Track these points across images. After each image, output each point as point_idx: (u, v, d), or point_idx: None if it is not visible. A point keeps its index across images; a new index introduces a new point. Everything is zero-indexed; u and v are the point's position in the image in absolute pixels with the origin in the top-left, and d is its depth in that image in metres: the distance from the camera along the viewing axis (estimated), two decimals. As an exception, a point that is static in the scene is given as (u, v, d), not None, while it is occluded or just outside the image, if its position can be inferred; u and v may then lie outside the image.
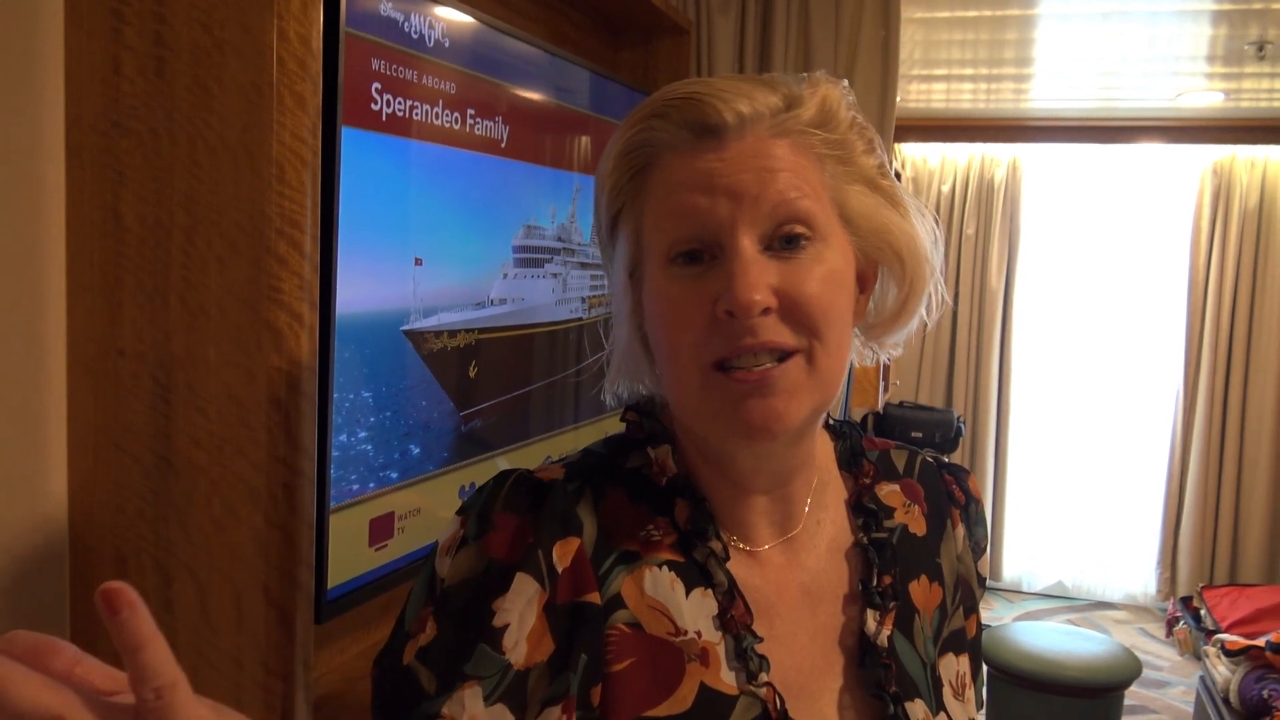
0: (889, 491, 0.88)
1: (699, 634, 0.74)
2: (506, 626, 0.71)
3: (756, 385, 0.71)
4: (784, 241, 0.71)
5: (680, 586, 0.76)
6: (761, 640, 0.76)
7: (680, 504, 0.78)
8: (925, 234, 0.79)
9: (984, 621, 0.96)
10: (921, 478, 0.91)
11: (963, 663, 0.87)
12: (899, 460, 0.91)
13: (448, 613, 0.73)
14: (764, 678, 0.74)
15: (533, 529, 0.73)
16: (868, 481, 0.86)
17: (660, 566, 0.76)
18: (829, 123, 0.74)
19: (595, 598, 0.73)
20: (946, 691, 0.84)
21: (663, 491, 0.79)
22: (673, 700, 0.72)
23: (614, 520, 0.77)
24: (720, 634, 0.75)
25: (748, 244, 0.70)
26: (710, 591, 0.76)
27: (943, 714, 0.82)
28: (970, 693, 0.87)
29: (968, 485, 0.93)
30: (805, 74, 0.76)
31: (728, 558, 0.77)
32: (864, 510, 0.85)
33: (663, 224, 0.73)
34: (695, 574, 0.76)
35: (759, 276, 0.70)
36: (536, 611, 0.71)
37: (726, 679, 0.74)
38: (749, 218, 0.70)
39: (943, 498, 0.91)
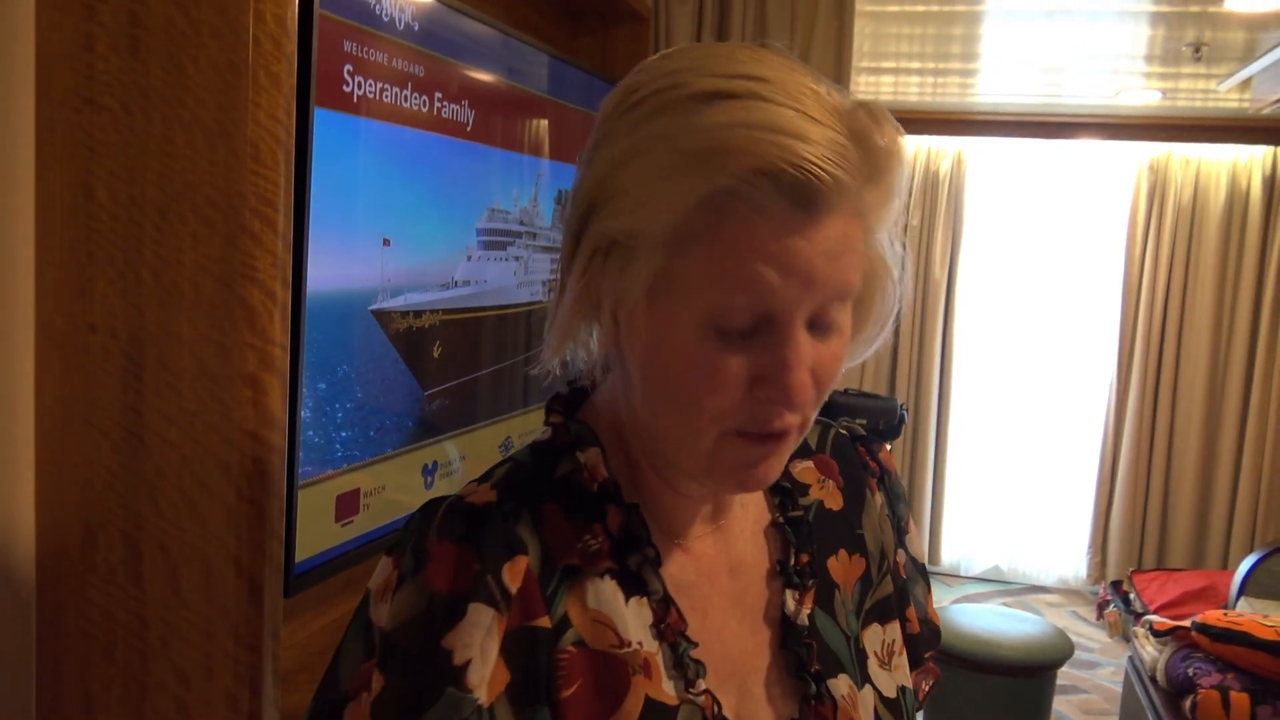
0: (803, 469, 0.88)
1: (640, 644, 0.74)
2: (469, 663, 0.67)
3: (772, 449, 0.71)
4: (823, 320, 0.69)
5: (620, 595, 0.74)
6: (696, 645, 0.76)
7: (612, 510, 0.76)
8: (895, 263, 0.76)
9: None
10: (835, 452, 0.91)
11: (890, 631, 0.87)
12: (811, 436, 0.91)
13: (396, 660, 0.68)
14: (701, 684, 0.75)
15: (476, 555, 0.70)
16: None
17: (601, 576, 0.74)
18: (895, 196, 0.70)
19: (545, 621, 0.71)
20: (872, 663, 0.84)
21: (594, 498, 0.76)
22: (619, 715, 0.72)
23: (554, 536, 0.74)
24: (658, 643, 0.75)
25: (802, 328, 0.67)
26: (645, 600, 0.75)
27: (868, 686, 0.83)
28: (899, 660, 0.87)
29: (880, 456, 0.93)
30: (872, 111, 0.68)
31: (660, 563, 0.76)
32: (779, 489, 0.85)
33: (723, 287, 0.66)
34: (630, 581, 0.75)
35: (807, 365, 0.68)
36: (498, 641, 0.68)
37: (667, 689, 0.74)
38: (811, 301, 0.67)
39: (858, 469, 0.91)
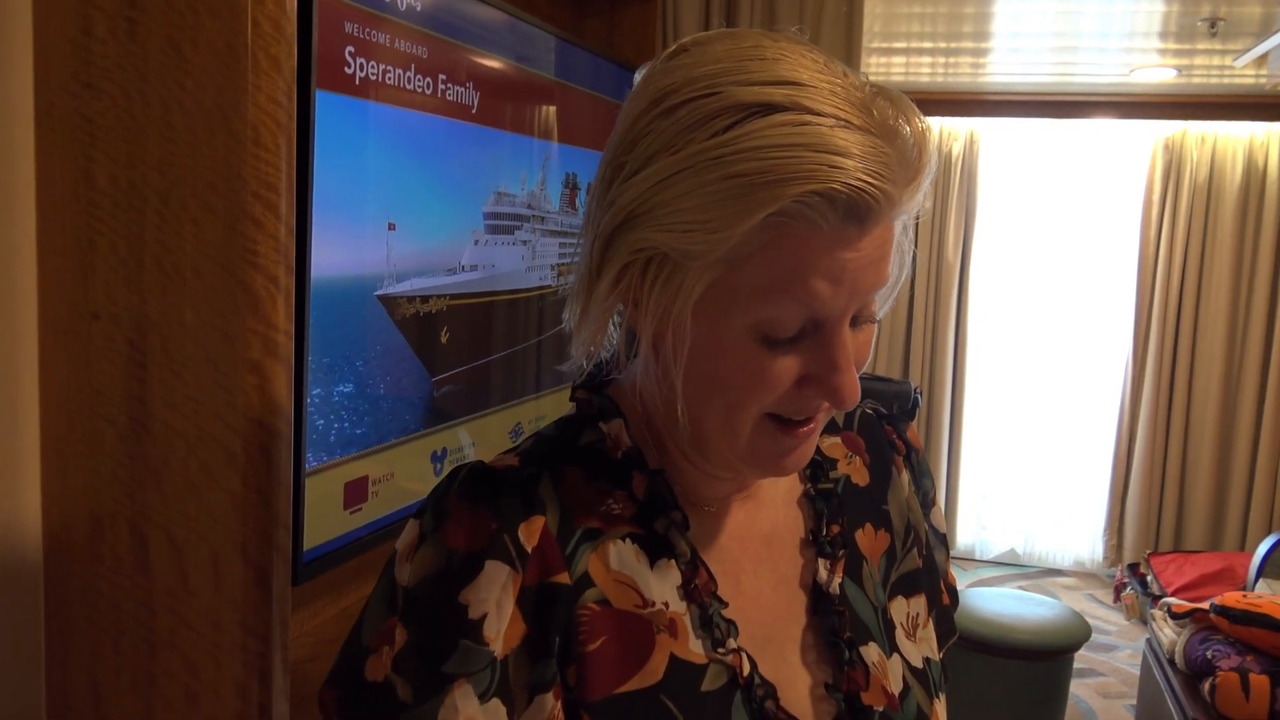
0: (830, 444, 0.91)
1: (666, 605, 0.75)
2: (485, 617, 0.70)
3: (805, 437, 0.75)
4: (862, 315, 0.72)
5: (644, 558, 0.76)
6: (726, 605, 0.77)
7: (637, 477, 0.78)
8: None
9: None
10: (862, 430, 0.93)
11: (915, 604, 0.90)
12: (838, 415, 0.93)
13: (417, 615, 0.71)
14: (731, 643, 0.76)
15: (494, 515, 0.72)
16: None
17: (623, 539, 0.76)
18: (923, 187, 0.71)
19: (565, 578, 0.73)
20: (899, 633, 0.87)
21: (618, 465, 0.79)
22: (644, 673, 0.73)
23: (574, 498, 0.76)
24: (685, 604, 0.76)
25: (847, 329, 0.71)
26: (673, 562, 0.77)
27: (896, 654, 0.85)
28: (924, 632, 0.90)
29: (906, 434, 0.96)
30: (893, 99, 0.69)
31: (688, 527, 0.78)
32: (810, 462, 0.87)
33: (775, 299, 0.68)
34: (658, 545, 0.77)
35: (853, 363, 0.71)
36: (513, 597, 0.71)
37: (694, 648, 0.75)
38: (856, 304, 0.70)
39: (885, 447, 0.94)
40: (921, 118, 0.70)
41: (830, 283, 0.67)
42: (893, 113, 0.68)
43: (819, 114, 0.65)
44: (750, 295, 0.68)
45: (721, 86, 0.67)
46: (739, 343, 0.69)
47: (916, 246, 0.78)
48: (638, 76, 0.73)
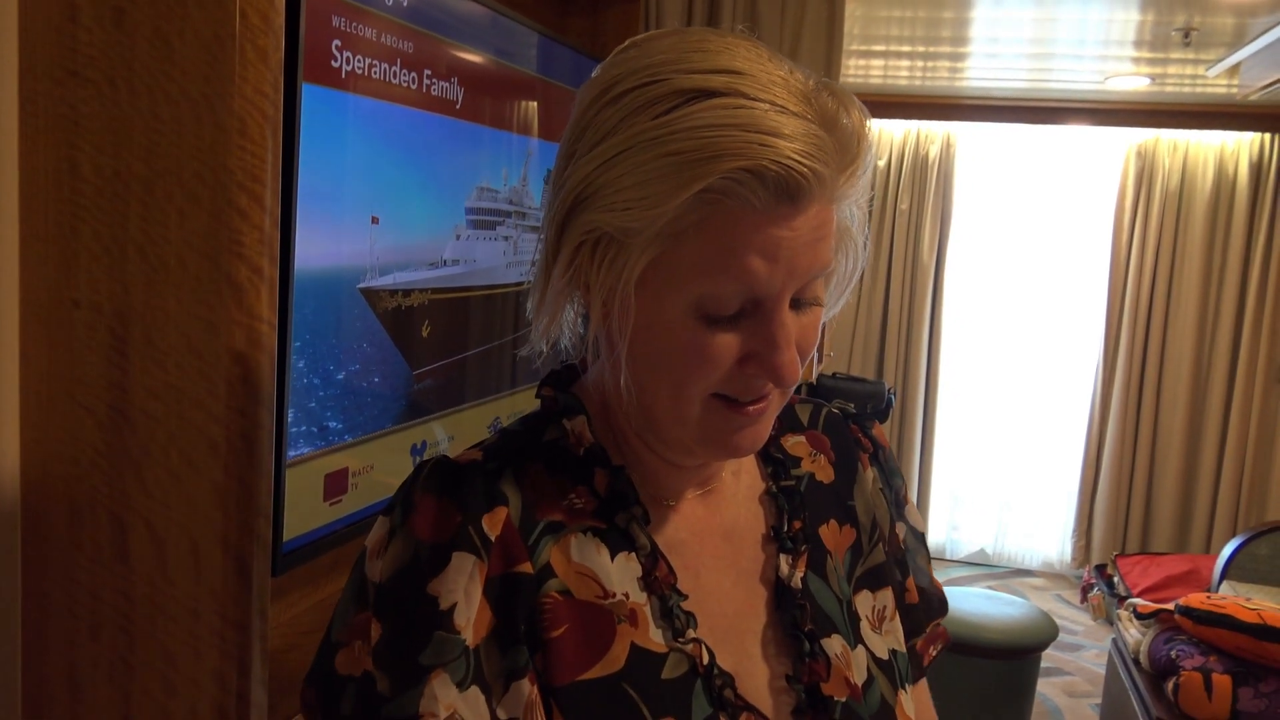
0: (795, 443, 0.93)
1: (626, 595, 0.77)
2: (455, 606, 0.71)
3: (756, 416, 0.75)
4: (804, 297, 0.74)
5: (605, 551, 0.78)
6: (686, 598, 0.79)
7: (599, 473, 0.80)
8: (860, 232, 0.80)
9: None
10: (827, 429, 0.95)
11: (880, 597, 0.91)
12: (803, 413, 0.95)
13: (389, 608, 0.72)
14: (691, 634, 0.77)
15: (458, 507, 0.74)
16: (773, 433, 0.89)
17: (584, 533, 0.78)
18: (862, 175, 0.73)
19: (527, 567, 0.74)
20: (864, 625, 0.88)
21: (580, 461, 0.80)
22: (606, 661, 0.75)
23: (536, 493, 0.78)
24: (646, 595, 0.78)
25: (787, 309, 0.72)
26: (634, 555, 0.78)
27: (861, 646, 0.86)
28: (890, 625, 0.91)
29: (873, 433, 0.98)
30: (836, 93, 0.72)
31: (648, 521, 0.80)
32: (772, 460, 0.90)
33: (712, 276, 0.70)
34: (618, 538, 0.79)
35: (793, 343, 0.72)
36: (480, 586, 0.72)
37: (655, 637, 0.77)
38: (794, 284, 0.71)
39: (850, 445, 0.96)
40: (864, 111, 0.72)
41: (766, 260, 0.69)
42: (833, 105, 0.70)
43: (755, 99, 0.68)
44: (689, 272, 0.70)
45: (664, 75, 0.69)
46: (680, 321, 0.71)
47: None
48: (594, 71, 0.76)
